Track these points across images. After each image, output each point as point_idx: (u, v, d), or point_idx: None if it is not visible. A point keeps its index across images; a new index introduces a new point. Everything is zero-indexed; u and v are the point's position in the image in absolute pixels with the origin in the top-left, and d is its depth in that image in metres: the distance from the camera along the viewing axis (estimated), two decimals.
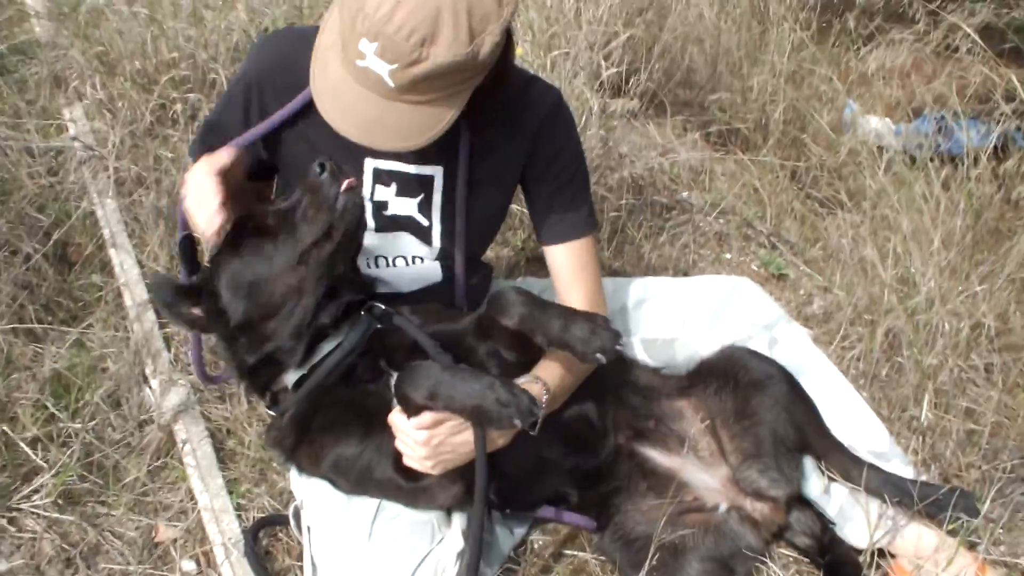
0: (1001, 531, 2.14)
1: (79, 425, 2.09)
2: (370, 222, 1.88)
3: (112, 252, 2.60)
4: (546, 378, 1.70)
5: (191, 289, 1.73)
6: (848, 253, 2.84)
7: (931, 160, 2.90)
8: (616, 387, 1.98)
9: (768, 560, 1.93)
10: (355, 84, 1.53)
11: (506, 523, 1.98)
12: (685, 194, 3.28)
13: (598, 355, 1.63)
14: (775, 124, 3.47)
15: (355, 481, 1.78)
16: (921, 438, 2.25)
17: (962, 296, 2.49)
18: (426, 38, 1.44)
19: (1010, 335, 2.55)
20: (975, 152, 2.90)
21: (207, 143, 1.81)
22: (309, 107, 1.67)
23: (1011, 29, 3.49)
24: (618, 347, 1.65)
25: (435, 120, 1.56)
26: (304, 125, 1.80)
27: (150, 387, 2.25)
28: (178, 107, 3.00)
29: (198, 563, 1.95)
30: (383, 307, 1.80)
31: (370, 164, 1.85)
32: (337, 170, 1.65)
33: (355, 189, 1.67)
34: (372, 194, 1.87)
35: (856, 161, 3.25)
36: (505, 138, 1.87)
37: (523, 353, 1.77)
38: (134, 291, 2.48)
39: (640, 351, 2.10)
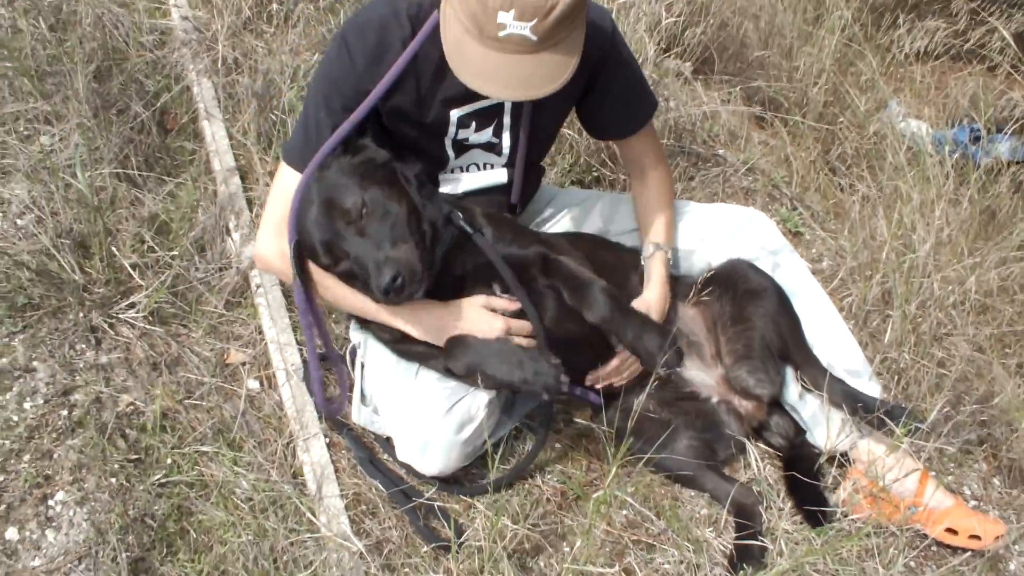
0: (952, 464, 2.45)
1: (175, 252, 2.42)
2: (450, 153, 2.14)
3: (205, 123, 2.91)
4: (651, 299, 2.13)
5: None
6: (858, 211, 3.08)
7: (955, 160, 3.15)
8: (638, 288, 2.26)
9: (748, 444, 2.23)
10: (500, 55, 1.72)
11: None
12: (721, 151, 3.54)
13: (661, 369, 1.92)
14: (814, 103, 3.71)
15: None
16: (896, 378, 2.53)
17: (956, 267, 2.75)
18: None
19: (994, 311, 2.81)
20: (1002, 160, 3.17)
21: (332, 105, 1.97)
22: (400, 80, 1.94)
23: None
24: (680, 367, 2.04)
25: (571, 54, 1.79)
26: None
27: (231, 239, 2.57)
28: (274, 6, 3.30)
29: (261, 384, 2.28)
30: (461, 220, 2.00)
31: (454, 114, 2.07)
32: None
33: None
34: (455, 136, 2.11)
35: (881, 141, 3.48)
36: None
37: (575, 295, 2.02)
38: (223, 158, 2.79)
39: None
